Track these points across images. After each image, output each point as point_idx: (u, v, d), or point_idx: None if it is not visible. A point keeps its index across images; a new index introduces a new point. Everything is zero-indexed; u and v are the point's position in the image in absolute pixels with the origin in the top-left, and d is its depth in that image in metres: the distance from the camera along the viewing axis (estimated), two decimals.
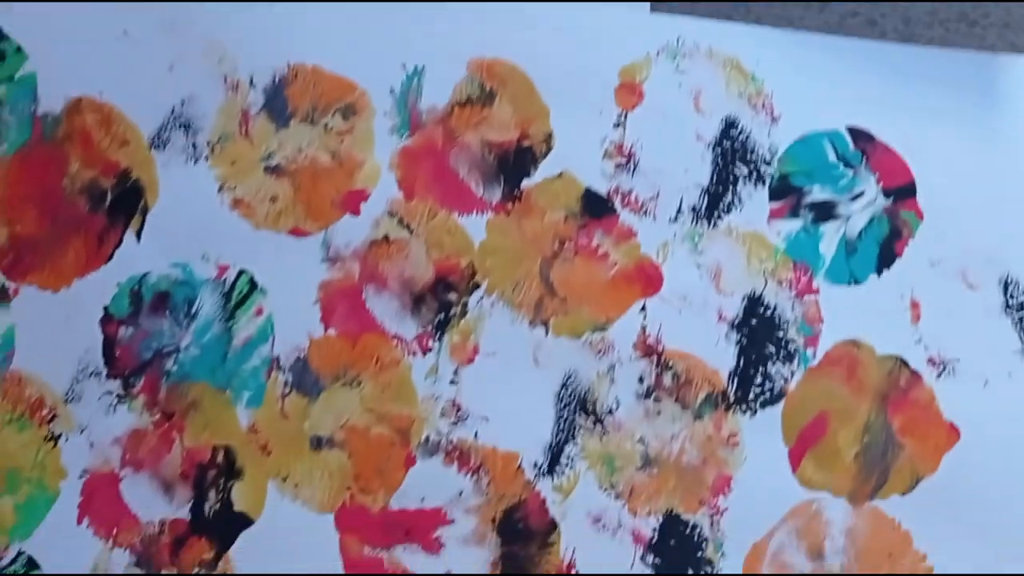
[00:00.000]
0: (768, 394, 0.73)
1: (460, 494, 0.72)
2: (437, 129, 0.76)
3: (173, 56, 0.77)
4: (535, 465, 0.73)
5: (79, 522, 0.72)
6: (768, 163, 0.76)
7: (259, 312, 0.74)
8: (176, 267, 0.75)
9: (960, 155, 0.77)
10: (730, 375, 0.73)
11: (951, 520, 0.71)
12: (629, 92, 0.77)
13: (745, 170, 0.76)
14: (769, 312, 0.74)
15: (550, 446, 0.73)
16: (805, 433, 0.73)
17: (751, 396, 0.73)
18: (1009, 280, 0.74)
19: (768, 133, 0.77)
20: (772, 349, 0.73)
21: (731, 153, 0.76)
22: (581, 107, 0.77)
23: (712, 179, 0.76)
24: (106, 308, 0.74)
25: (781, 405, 0.73)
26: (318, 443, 0.73)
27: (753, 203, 0.76)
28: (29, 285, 0.75)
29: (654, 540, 0.72)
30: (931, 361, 0.73)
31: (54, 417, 0.73)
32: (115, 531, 0.72)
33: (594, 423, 0.73)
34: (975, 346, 0.73)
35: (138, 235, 0.75)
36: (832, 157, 0.76)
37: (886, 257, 0.75)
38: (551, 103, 0.77)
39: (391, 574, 0.71)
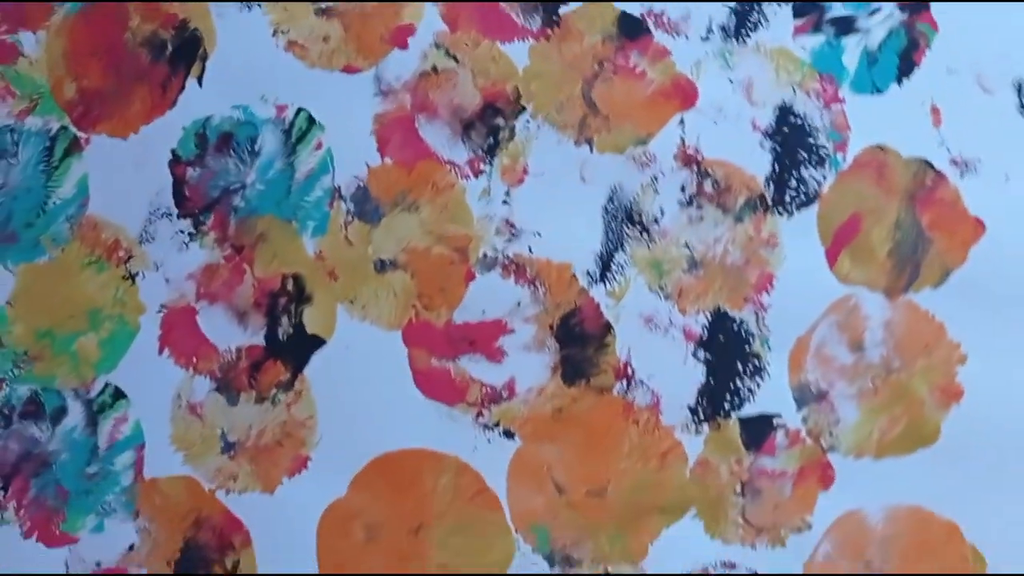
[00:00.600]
0: (803, 197, 0.70)
1: (518, 304, 0.70)
2: None
3: None
4: (587, 273, 0.70)
5: (160, 353, 0.70)
6: None
7: (319, 146, 0.71)
8: (237, 109, 0.71)
9: None
10: (767, 180, 0.70)
11: (981, 310, 0.68)
12: None
13: None
14: (799, 121, 0.71)
15: (600, 255, 0.70)
16: (840, 232, 0.70)
17: (787, 199, 0.70)
18: (1022, 83, 0.72)
19: None
20: (804, 155, 0.71)
21: None
22: None
23: None
24: (174, 151, 0.71)
25: (816, 207, 0.70)
26: (382, 266, 0.71)
27: (778, 20, 0.72)
28: (99, 134, 0.72)
29: (704, 337, 0.69)
30: (954, 162, 0.70)
31: (130, 257, 0.71)
32: (195, 360, 0.70)
33: (641, 232, 0.70)
34: (994, 145, 0.70)
35: (199, 81, 0.72)
36: None
37: (905, 67, 0.72)
38: None
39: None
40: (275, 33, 0.71)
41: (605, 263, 0.69)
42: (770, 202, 0.69)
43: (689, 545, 0.68)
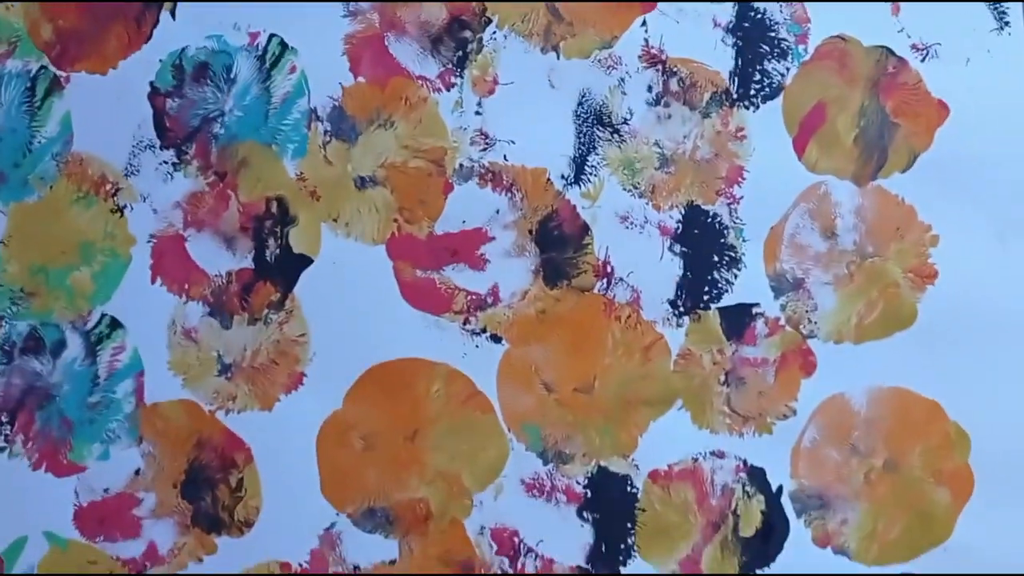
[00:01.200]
0: (768, 89, 0.65)
1: (497, 212, 0.65)
2: None
3: None
4: (562, 177, 0.64)
5: (152, 282, 0.66)
6: None
7: (292, 70, 0.67)
8: (211, 39, 0.66)
9: None
10: (731, 75, 0.65)
11: (949, 190, 0.63)
12: None
13: None
14: (760, 15, 0.65)
15: (574, 159, 0.65)
16: (806, 122, 0.65)
17: (752, 92, 0.65)
18: None
19: None
20: (766, 48, 0.66)
21: None
22: None
23: None
24: (152, 84, 0.66)
25: (781, 98, 0.65)
26: (362, 183, 0.66)
27: None
28: (78, 72, 0.67)
29: (679, 231, 0.65)
30: (914, 47, 0.65)
31: (117, 191, 0.67)
32: (187, 286, 0.66)
33: (611, 133, 0.66)
34: (953, 29, 0.66)
35: (172, 14, 0.68)
36: None
37: None
38: None
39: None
40: None
41: (579, 166, 0.65)
42: (735, 96, 0.65)
43: (678, 436, 0.63)
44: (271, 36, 0.66)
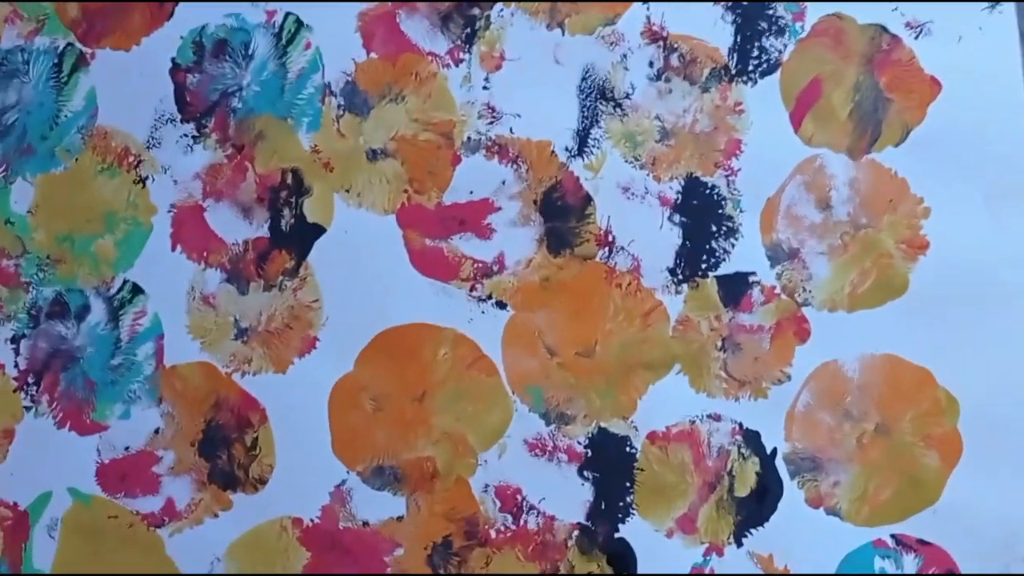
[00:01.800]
0: (766, 65, 0.67)
1: (503, 183, 0.67)
2: None
3: None
4: (566, 149, 0.66)
5: (173, 249, 0.68)
6: None
7: (308, 46, 0.69)
8: (230, 16, 0.68)
9: None
10: (730, 51, 0.66)
11: (941, 163, 0.64)
12: None
13: None
14: None
15: (577, 132, 0.67)
16: (802, 97, 0.67)
17: (750, 68, 0.67)
18: None
19: None
20: (764, 25, 0.67)
21: None
22: None
23: None
24: (173, 59, 0.69)
25: (778, 74, 0.66)
26: (373, 155, 0.68)
27: None
28: (103, 49, 0.69)
29: (679, 201, 0.67)
30: (908, 25, 0.66)
31: (140, 162, 0.69)
32: (205, 254, 0.68)
33: (614, 107, 0.68)
34: (946, 8, 0.67)
35: None
36: None
37: None
38: None
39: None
40: None
41: (582, 138, 0.66)
42: (734, 72, 0.66)
43: (676, 399, 0.65)
44: (287, 14, 0.67)
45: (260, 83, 0.66)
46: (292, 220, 0.66)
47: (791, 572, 0.62)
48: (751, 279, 0.64)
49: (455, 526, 0.65)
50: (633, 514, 0.64)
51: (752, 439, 0.64)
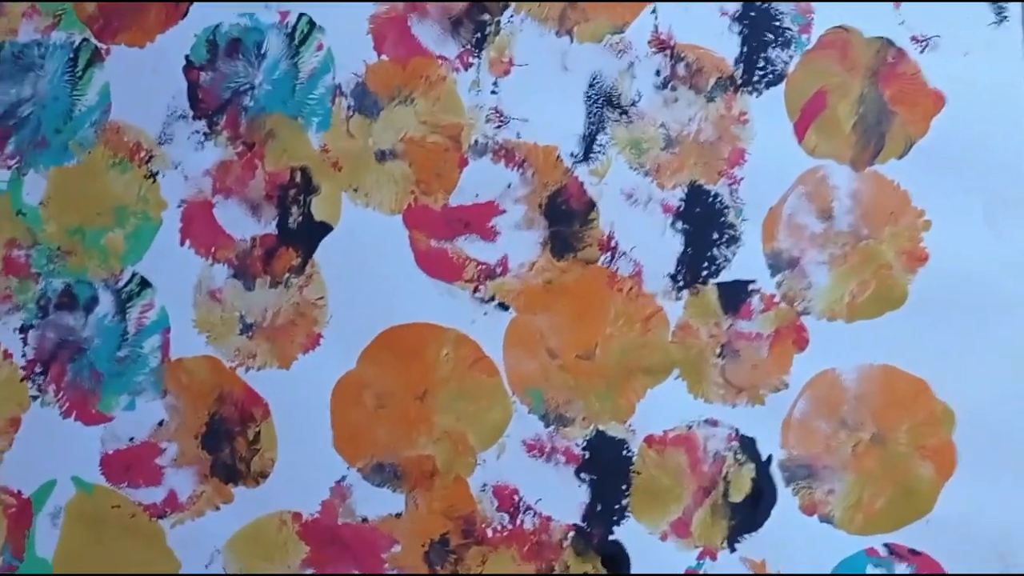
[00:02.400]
0: (771, 76, 0.67)
1: (509, 186, 0.67)
2: None
3: None
4: (572, 155, 0.67)
5: (181, 244, 0.68)
6: None
7: (320, 47, 0.69)
8: (244, 16, 0.69)
9: None
10: (736, 61, 0.67)
11: (943, 177, 0.64)
12: None
13: None
14: (765, 5, 0.67)
15: (583, 137, 0.67)
16: (807, 108, 0.67)
17: (756, 78, 0.67)
18: None
19: None
20: (771, 37, 0.68)
21: None
22: None
23: None
24: (187, 57, 0.69)
25: (783, 85, 0.66)
26: (382, 156, 0.68)
27: None
28: (118, 45, 0.69)
29: (681, 209, 0.67)
30: (914, 39, 0.66)
31: (151, 157, 0.69)
32: (213, 249, 0.68)
33: (620, 114, 0.68)
34: (952, 23, 0.67)
35: None
36: None
37: None
38: None
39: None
40: None
41: (588, 144, 0.67)
42: (740, 82, 0.67)
43: (674, 404, 0.65)
44: (300, 15, 0.68)
45: (272, 82, 0.67)
46: (300, 218, 0.66)
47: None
48: (751, 287, 0.65)
49: (453, 524, 0.65)
50: (628, 516, 0.65)
51: (748, 445, 0.64)
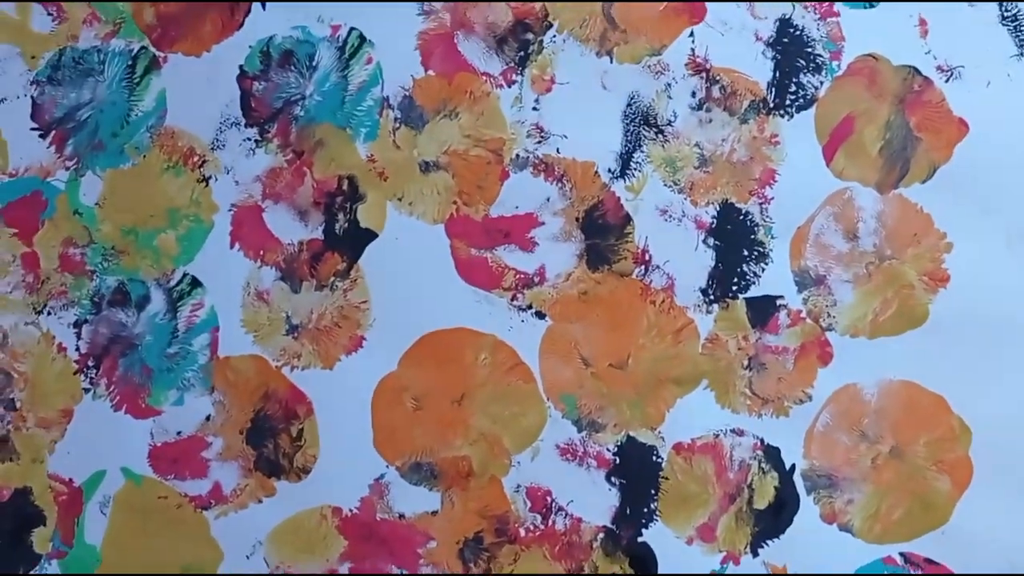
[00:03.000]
0: (802, 100, 0.69)
1: (548, 199, 0.69)
2: None
3: None
4: (609, 171, 0.69)
5: (231, 247, 0.70)
6: None
7: (369, 61, 0.71)
8: (296, 29, 0.71)
9: None
10: (769, 85, 0.69)
11: (965, 202, 0.66)
12: None
13: None
14: (798, 32, 0.70)
15: (620, 155, 0.69)
16: (835, 132, 0.69)
17: (787, 102, 0.69)
18: None
19: None
20: (803, 63, 0.70)
21: None
22: None
23: None
24: (241, 67, 0.71)
25: (813, 109, 0.69)
26: (426, 167, 0.70)
27: None
28: (175, 53, 0.71)
29: (714, 226, 0.68)
30: (939, 68, 0.69)
31: (204, 162, 0.71)
32: (262, 252, 0.70)
33: (656, 133, 0.70)
34: (977, 53, 0.69)
35: (263, 5, 0.72)
36: None
37: None
38: None
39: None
40: None
41: (625, 161, 0.69)
42: (772, 105, 0.69)
43: (702, 413, 0.67)
44: (351, 29, 0.70)
45: (322, 93, 0.69)
46: (346, 224, 0.68)
47: None
48: (779, 302, 0.67)
49: (487, 523, 0.67)
50: (656, 520, 0.67)
51: (772, 455, 0.66)
